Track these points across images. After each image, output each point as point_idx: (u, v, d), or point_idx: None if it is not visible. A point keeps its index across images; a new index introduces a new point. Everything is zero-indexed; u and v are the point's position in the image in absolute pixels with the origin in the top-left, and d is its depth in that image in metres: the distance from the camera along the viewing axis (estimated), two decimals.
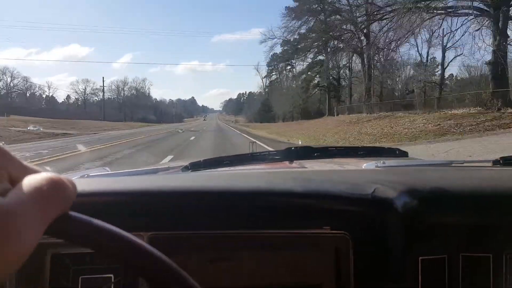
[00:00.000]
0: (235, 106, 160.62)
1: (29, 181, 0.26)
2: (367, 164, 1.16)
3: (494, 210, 0.65)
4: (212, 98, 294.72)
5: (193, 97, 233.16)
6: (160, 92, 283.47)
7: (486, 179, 0.81)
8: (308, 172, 1.06)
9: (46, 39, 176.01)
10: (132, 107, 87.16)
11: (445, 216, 0.65)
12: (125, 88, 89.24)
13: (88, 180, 0.84)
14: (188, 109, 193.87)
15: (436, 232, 0.64)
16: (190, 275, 0.29)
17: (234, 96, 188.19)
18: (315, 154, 1.14)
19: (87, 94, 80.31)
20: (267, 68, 71.61)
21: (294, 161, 1.20)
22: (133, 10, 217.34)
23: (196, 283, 0.29)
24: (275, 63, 69.36)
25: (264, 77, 72.68)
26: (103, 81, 74.12)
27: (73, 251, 0.62)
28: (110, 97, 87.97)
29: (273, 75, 71.59)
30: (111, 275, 0.62)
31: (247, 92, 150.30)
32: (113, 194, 0.64)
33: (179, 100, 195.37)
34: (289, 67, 66.42)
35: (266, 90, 71.99)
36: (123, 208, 0.62)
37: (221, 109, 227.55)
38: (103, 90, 74.39)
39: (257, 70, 77.20)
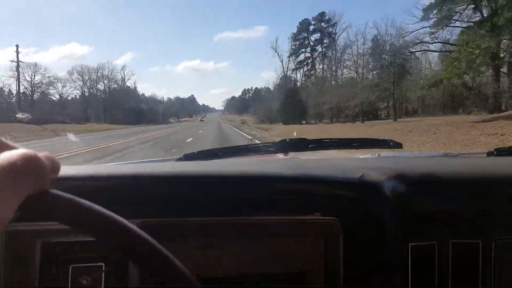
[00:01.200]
0: (239, 104, 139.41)
1: (3, 156, 0.26)
2: (362, 156, 1.19)
3: (483, 197, 0.66)
4: (213, 97, 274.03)
5: (192, 95, 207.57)
6: (161, 92, 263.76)
7: (477, 167, 0.81)
8: (300, 161, 1.08)
9: (44, 37, 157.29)
10: (106, 104, 65.11)
11: (435, 202, 0.65)
12: (93, 77, 66.73)
13: (80, 166, 0.87)
14: (186, 108, 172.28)
15: (426, 219, 0.65)
16: (180, 262, 0.29)
17: (238, 94, 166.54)
18: (310, 146, 1.14)
19: (36, 84, 57.24)
20: (291, 43, 50.91)
21: (289, 153, 1.20)
22: (134, 8, 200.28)
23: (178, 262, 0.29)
24: (305, 34, 47.68)
25: (289, 56, 51.00)
26: (17, 52, 46.14)
27: (64, 240, 0.61)
28: (76, 91, 65.72)
29: (301, 53, 50.45)
30: (102, 264, 0.61)
31: (253, 88, 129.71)
32: (104, 179, 0.63)
33: (177, 98, 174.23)
34: (326, 41, 44.78)
35: (292, 77, 49.94)
36: (113, 193, 0.62)
37: (222, 108, 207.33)
38: (17, 70, 47.62)
39: (275, 50, 56.01)
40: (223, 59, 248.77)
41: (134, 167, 0.71)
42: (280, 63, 52.75)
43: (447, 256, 0.64)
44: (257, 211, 0.63)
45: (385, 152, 1.19)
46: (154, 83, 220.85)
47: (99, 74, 66.55)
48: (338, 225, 0.63)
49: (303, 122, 39.10)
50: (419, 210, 0.64)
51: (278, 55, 53.88)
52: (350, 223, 0.63)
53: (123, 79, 71.35)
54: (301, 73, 44.94)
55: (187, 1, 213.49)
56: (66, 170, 0.63)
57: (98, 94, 67.12)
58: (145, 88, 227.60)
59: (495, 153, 1.07)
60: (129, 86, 73.82)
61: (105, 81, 67.49)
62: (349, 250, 0.63)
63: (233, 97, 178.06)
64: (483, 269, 0.64)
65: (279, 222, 0.63)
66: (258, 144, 1.23)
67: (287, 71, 52.59)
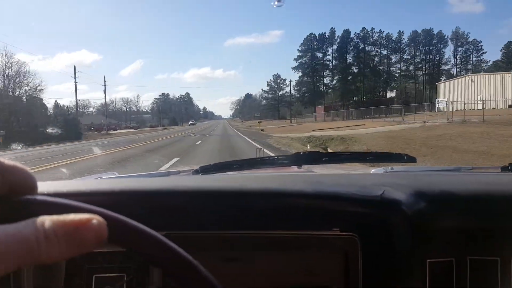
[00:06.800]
0: (266, 103, 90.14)
1: (56, 219, 0.25)
2: (375, 170, 1.20)
3: (501, 214, 0.66)
4: (221, 106, 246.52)
5: (187, 94, 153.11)
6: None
7: (494, 183, 0.81)
8: (318, 175, 1.09)
9: (52, 45, 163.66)
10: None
11: (452, 219, 0.66)
12: None
13: (102, 180, 0.88)
14: (175, 112, 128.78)
15: (444, 235, 0.65)
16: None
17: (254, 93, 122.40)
18: (324, 159, 1.15)
19: None
20: None
21: (303, 166, 1.21)
22: (143, 15, 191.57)
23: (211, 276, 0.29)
24: None
25: None
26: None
27: None
28: None
29: None
30: (124, 274, 0.63)
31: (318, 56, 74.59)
32: (127, 193, 0.64)
33: (166, 98, 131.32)
34: None
35: None
36: (136, 207, 0.62)
37: (231, 111, 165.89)
38: None
39: None
40: (232, 67, 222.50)
41: (154, 181, 0.73)
42: None
43: (465, 273, 0.65)
44: (277, 226, 0.64)
45: (398, 166, 1.19)
46: (160, 91, 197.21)
47: None
48: (356, 240, 0.63)
49: None
50: (437, 227, 0.65)
51: None
52: (368, 239, 0.63)
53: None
54: None
55: (199, 5, 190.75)
56: (89, 185, 0.65)
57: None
58: (149, 97, 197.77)
59: (509, 168, 1.10)
60: None
61: None
62: (367, 265, 0.63)
63: (248, 95, 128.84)
64: (502, 286, 0.64)
65: (298, 237, 0.64)
66: (272, 156, 1.27)
67: None
